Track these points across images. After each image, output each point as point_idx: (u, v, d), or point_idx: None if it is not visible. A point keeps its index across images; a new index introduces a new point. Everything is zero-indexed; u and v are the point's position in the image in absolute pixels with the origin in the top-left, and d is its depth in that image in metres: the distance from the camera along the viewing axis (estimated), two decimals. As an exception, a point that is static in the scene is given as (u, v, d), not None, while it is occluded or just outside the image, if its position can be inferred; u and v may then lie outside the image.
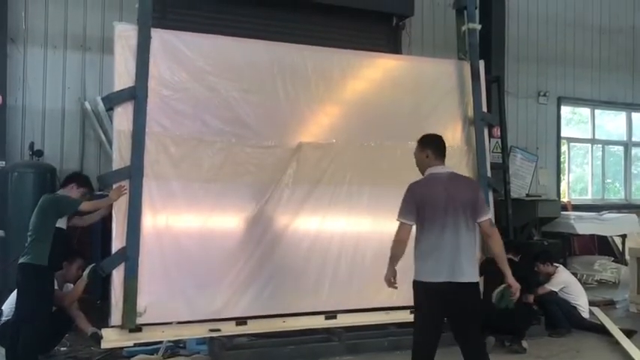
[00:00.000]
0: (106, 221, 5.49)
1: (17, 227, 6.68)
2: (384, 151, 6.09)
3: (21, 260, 4.96)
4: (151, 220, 5.22)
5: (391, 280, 4.09)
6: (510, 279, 4.04)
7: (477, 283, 4.01)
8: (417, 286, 3.96)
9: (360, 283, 5.85)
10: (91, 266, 5.55)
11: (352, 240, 5.90)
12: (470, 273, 3.88)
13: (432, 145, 4.13)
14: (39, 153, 7.40)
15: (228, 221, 5.53)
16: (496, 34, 8.89)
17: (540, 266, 6.86)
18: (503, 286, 4.16)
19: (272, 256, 5.55)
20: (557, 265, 7.06)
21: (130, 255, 5.05)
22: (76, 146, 7.88)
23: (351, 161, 5.95)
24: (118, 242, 5.09)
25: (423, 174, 4.13)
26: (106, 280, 5.27)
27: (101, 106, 7.28)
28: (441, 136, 4.37)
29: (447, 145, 6.18)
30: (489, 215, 4.07)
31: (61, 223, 5.10)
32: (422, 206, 3.89)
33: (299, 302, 5.64)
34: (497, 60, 8.78)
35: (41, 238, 4.95)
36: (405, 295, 5.87)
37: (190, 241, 5.36)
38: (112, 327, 5.09)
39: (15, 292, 5.33)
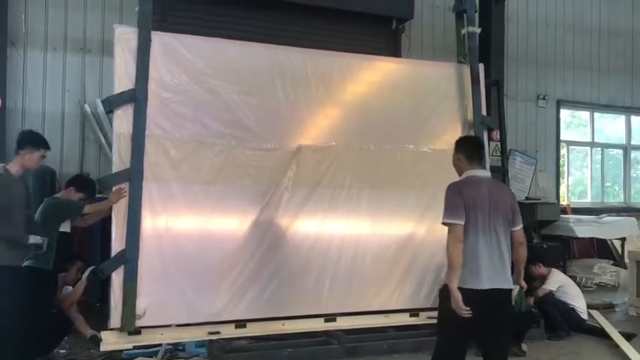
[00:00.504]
0: (106, 223, 5.49)
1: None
2: (383, 154, 6.08)
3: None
4: (150, 223, 5.20)
5: (463, 306, 3.62)
6: (522, 280, 4.04)
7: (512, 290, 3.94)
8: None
9: (359, 286, 5.84)
10: (90, 269, 5.56)
11: (352, 243, 5.88)
12: (510, 280, 3.82)
13: (464, 149, 4.00)
14: (39, 155, 7.39)
15: (227, 224, 5.51)
16: (495, 37, 8.89)
17: (532, 268, 6.86)
18: (517, 288, 4.10)
19: (271, 258, 5.54)
20: (549, 268, 7.09)
21: (130, 257, 5.03)
22: (75, 149, 7.90)
23: (351, 164, 5.93)
24: (117, 244, 5.07)
25: (460, 176, 4.00)
26: (106, 283, 5.26)
27: (101, 109, 7.30)
28: (476, 138, 4.25)
29: (446, 148, 6.27)
30: (522, 224, 3.99)
31: (65, 227, 5.11)
32: (469, 207, 3.73)
33: (298, 305, 5.63)
34: (496, 63, 8.78)
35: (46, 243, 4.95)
36: (404, 297, 5.99)
37: (190, 244, 5.34)
38: (111, 329, 5.07)
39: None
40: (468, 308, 3.62)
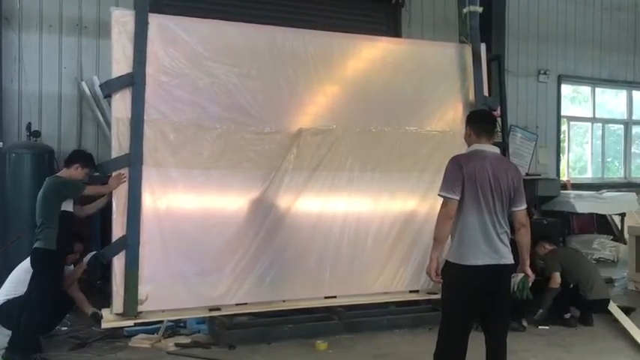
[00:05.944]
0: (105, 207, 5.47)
1: (15, 207, 6.73)
2: (384, 136, 6.02)
3: (34, 245, 5.02)
4: (151, 208, 5.18)
5: (436, 274, 3.78)
6: (528, 268, 3.96)
7: (514, 265, 3.90)
8: (454, 269, 3.74)
9: (360, 270, 5.85)
10: (91, 253, 5.58)
11: (353, 226, 5.86)
12: (510, 255, 3.78)
13: (474, 123, 3.95)
14: (36, 134, 7.37)
15: (228, 208, 5.49)
16: (496, 11, 8.77)
17: (538, 249, 6.87)
18: (521, 275, 4.06)
19: (273, 242, 5.53)
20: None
21: (131, 243, 5.04)
22: (73, 127, 7.83)
23: (352, 147, 5.87)
24: (118, 230, 5.06)
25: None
26: (108, 265, 5.26)
27: (98, 86, 7.22)
28: (487, 113, 4.18)
29: (447, 129, 6.24)
30: (525, 205, 3.92)
31: (67, 206, 5.11)
32: (468, 182, 3.68)
33: (300, 290, 5.64)
34: (497, 38, 8.67)
35: (48, 222, 4.98)
36: (405, 280, 6.01)
37: (191, 229, 5.32)
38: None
39: (14, 271, 5.39)
40: (440, 278, 3.76)
